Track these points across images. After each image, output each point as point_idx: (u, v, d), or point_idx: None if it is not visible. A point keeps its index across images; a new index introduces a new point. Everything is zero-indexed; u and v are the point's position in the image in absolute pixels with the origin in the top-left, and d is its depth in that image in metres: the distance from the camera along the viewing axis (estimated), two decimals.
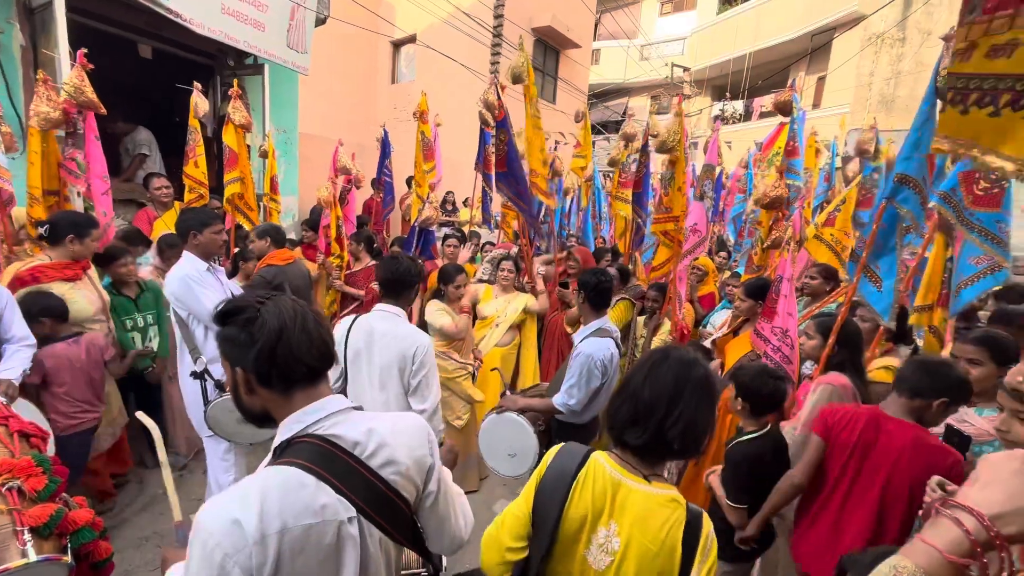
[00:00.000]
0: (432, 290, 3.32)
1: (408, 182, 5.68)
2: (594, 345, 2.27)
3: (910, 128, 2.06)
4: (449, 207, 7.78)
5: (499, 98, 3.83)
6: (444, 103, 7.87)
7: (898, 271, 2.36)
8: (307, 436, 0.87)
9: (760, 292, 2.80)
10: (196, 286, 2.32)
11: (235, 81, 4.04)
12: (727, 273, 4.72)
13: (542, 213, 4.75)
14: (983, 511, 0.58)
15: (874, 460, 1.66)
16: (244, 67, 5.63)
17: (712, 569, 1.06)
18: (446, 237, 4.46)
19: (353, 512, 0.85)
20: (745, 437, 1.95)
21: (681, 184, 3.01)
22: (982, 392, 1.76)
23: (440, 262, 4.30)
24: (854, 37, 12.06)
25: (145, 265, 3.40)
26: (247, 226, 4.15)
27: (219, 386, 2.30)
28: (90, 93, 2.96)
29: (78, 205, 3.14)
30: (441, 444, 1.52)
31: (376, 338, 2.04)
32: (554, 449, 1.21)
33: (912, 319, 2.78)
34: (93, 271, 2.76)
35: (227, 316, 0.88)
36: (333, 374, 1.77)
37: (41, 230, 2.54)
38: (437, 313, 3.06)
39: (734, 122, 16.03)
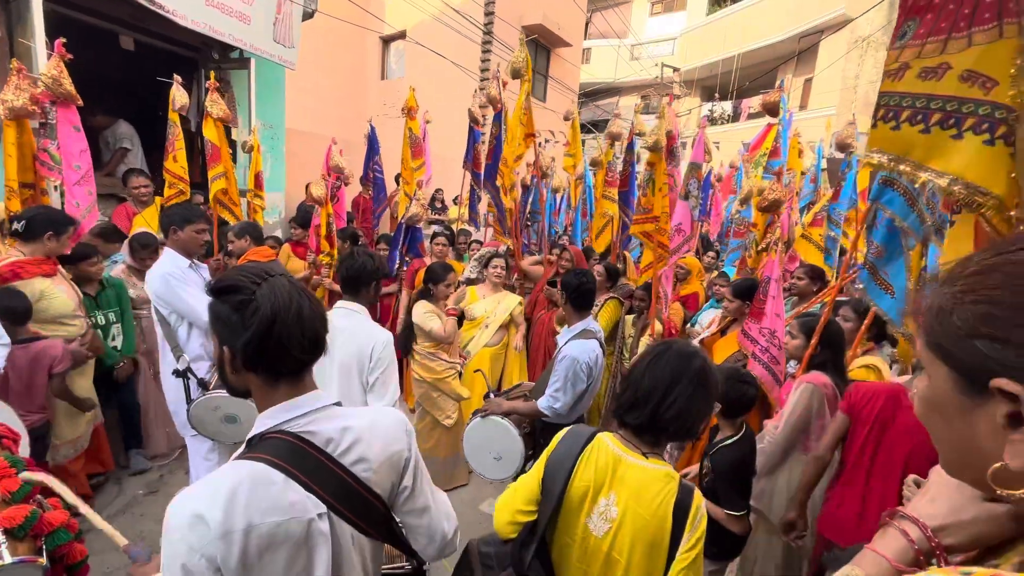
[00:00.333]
0: (419, 290, 3.28)
1: (397, 179, 5.64)
2: (579, 348, 2.27)
3: None
4: (438, 205, 7.74)
5: (500, 93, 3.86)
6: (434, 100, 7.83)
7: (906, 274, 2.35)
8: (280, 432, 0.87)
9: (748, 293, 2.82)
10: (178, 284, 2.28)
11: (212, 74, 3.95)
12: (715, 273, 4.76)
13: (527, 210, 4.76)
14: (927, 523, 0.61)
15: (892, 435, 1.72)
16: (229, 61, 5.54)
17: (701, 540, 1.15)
18: (435, 235, 4.44)
19: (323, 508, 0.85)
20: (726, 442, 1.96)
21: (661, 185, 3.03)
22: None
23: (428, 260, 4.28)
24: (840, 40, 12.22)
25: (119, 263, 3.33)
26: (232, 222, 4.09)
27: (202, 384, 2.27)
28: (68, 84, 2.88)
29: (54, 199, 3.06)
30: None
31: (336, 335, 2.00)
32: (564, 430, 1.33)
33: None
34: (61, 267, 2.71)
35: (221, 292, 0.86)
36: None
37: (17, 225, 2.48)
38: (426, 316, 3.03)
39: (723, 123, 16.17)
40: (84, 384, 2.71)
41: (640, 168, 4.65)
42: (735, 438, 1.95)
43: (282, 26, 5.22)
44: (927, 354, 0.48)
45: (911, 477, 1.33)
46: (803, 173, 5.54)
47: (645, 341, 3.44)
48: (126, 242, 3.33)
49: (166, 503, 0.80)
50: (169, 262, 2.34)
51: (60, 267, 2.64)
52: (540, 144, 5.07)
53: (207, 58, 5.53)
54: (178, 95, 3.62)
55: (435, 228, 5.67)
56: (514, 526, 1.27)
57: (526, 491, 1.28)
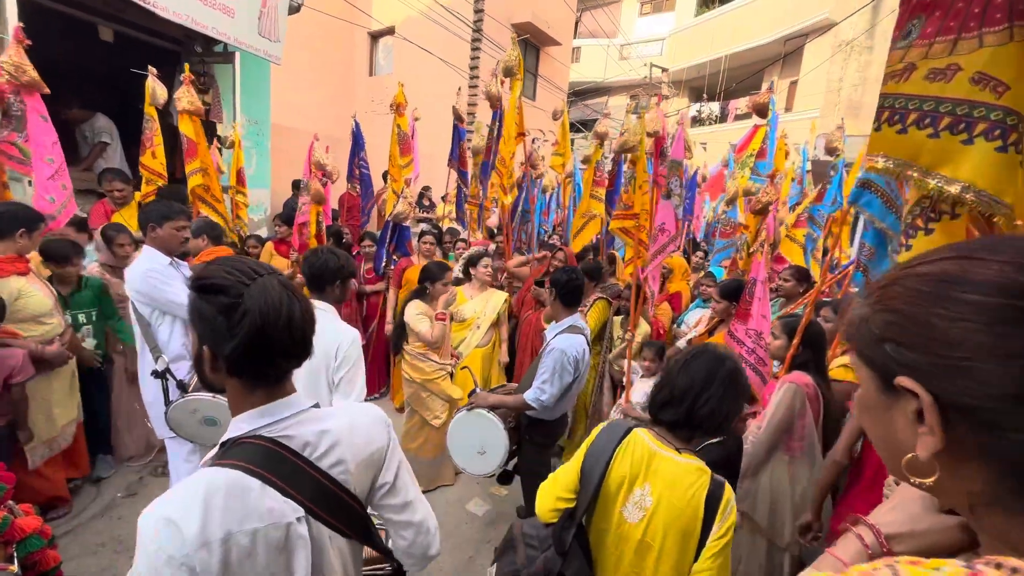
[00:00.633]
0: (413, 290, 3.25)
1: (384, 176, 5.58)
2: (566, 341, 2.31)
3: None
4: (427, 203, 7.69)
5: (499, 90, 3.85)
6: (422, 97, 7.78)
7: None
8: (255, 437, 0.85)
9: (735, 294, 2.85)
10: (159, 280, 2.23)
11: (187, 67, 3.85)
12: (702, 273, 4.80)
13: (518, 211, 4.75)
14: (883, 529, 0.64)
15: None
16: (213, 54, 5.44)
17: (731, 528, 1.24)
18: (422, 234, 4.40)
19: (302, 512, 0.84)
20: (712, 441, 1.96)
21: (642, 183, 3.04)
22: None
23: (415, 259, 4.25)
24: (825, 43, 12.41)
25: (90, 260, 3.20)
26: (216, 219, 4.01)
27: (181, 386, 2.22)
28: (32, 72, 2.75)
29: (17, 192, 2.95)
30: None
31: None
32: (601, 425, 1.42)
33: None
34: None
35: (205, 291, 0.80)
36: None
37: None
38: (416, 318, 3.02)
39: (711, 123, 16.32)
40: (62, 387, 2.63)
41: (627, 167, 4.68)
42: (721, 437, 1.96)
43: (267, 20, 5.13)
44: (854, 359, 0.53)
45: (891, 478, 1.35)
46: (793, 179, 5.61)
47: (623, 337, 3.41)
48: (95, 238, 3.20)
49: (145, 505, 0.77)
50: (149, 259, 2.28)
51: (31, 265, 2.56)
52: (534, 142, 5.06)
53: (190, 51, 5.41)
54: (157, 88, 3.52)
55: (423, 227, 5.62)
56: (554, 512, 1.36)
57: (566, 480, 1.37)
